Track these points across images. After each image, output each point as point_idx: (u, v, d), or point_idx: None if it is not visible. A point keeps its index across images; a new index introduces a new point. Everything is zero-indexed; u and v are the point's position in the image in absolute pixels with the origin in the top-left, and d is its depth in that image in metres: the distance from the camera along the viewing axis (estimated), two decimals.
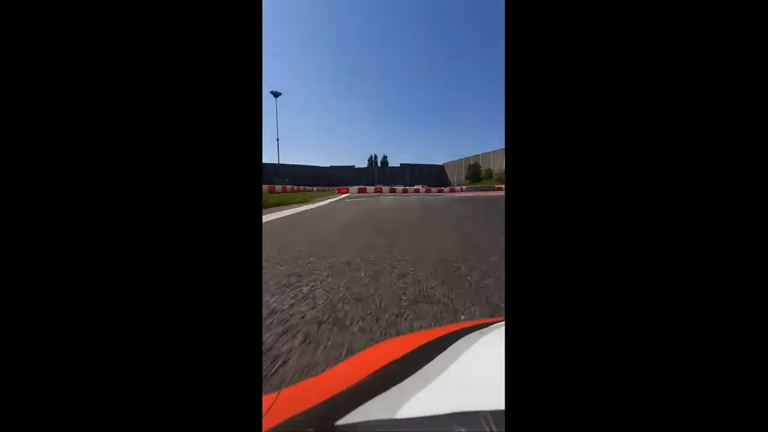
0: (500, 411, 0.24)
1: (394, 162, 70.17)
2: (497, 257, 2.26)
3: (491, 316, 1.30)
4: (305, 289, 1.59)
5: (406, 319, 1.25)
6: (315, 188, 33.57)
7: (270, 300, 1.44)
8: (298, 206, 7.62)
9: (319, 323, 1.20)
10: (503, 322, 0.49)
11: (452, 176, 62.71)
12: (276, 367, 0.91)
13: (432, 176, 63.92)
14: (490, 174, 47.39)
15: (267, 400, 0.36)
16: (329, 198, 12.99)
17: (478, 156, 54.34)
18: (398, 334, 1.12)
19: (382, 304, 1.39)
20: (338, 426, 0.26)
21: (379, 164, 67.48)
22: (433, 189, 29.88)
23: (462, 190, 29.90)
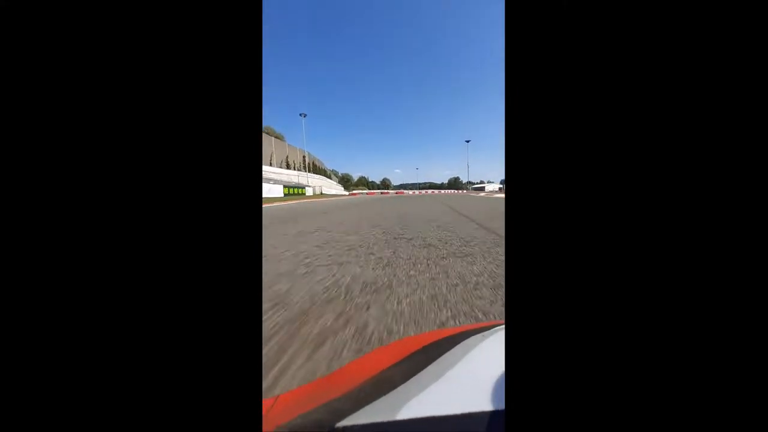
0: (500, 412, 0.24)
1: None
2: None
3: None
4: None
5: None
6: None
7: None
8: None
9: None
10: (503, 326, 0.49)
11: None
12: None
13: None
14: None
15: (265, 404, 0.36)
16: None
17: None
18: None
19: None
20: (338, 428, 0.26)
21: None
22: None
23: None
